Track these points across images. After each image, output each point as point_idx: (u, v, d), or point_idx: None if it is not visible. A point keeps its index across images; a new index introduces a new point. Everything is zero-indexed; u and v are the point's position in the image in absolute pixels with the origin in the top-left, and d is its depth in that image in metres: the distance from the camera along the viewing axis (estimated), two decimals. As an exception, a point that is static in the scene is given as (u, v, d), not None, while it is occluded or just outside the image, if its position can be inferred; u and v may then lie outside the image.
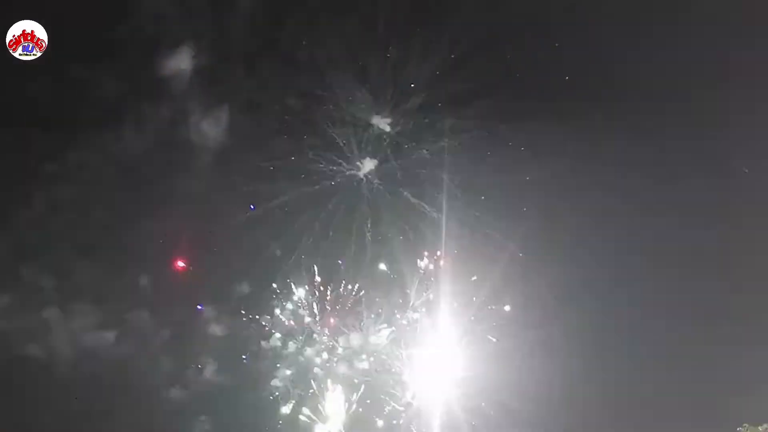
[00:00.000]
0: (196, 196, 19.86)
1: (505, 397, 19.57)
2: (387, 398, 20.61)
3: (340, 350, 21.15)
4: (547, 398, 19.26)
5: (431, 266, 21.07)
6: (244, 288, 20.65)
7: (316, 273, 20.96)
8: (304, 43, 20.22)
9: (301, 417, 20.22)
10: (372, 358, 20.95)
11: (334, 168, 20.93)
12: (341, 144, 20.86)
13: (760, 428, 18.36)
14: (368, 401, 20.62)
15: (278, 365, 20.48)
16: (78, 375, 19.19)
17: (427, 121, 20.78)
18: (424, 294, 21.05)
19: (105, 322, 20.09)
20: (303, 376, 20.55)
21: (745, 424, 18.64)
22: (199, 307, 20.25)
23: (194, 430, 19.61)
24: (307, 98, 20.45)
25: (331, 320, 21.10)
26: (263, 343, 20.73)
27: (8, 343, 19.22)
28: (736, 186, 21.88)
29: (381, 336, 21.38)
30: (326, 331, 20.89)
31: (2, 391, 19.06)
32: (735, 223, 21.41)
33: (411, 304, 21.14)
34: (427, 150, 20.67)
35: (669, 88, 21.77)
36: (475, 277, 20.90)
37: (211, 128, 19.89)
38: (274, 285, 20.85)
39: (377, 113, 21.04)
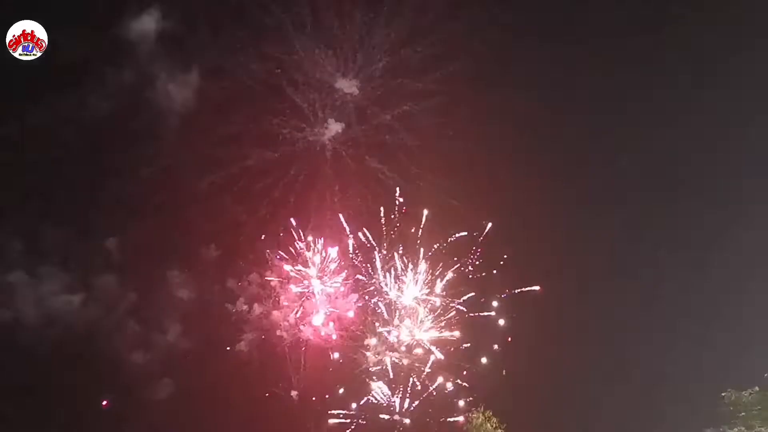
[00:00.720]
0: (161, 160, 20.26)
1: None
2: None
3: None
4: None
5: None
6: (211, 252, 21.21)
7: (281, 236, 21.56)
8: (270, 7, 20.47)
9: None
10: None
11: (298, 134, 21.51)
12: (306, 109, 21.26)
13: (744, 393, 18.50)
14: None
15: (243, 328, 21.05)
16: (44, 338, 19.53)
17: (392, 84, 21.40)
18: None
19: (71, 286, 20.34)
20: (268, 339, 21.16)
21: (730, 389, 18.73)
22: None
23: (158, 393, 19.99)
24: (271, 62, 20.86)
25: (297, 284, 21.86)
26: (228, 306, 21.18)
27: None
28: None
29: (349, 301, 22.03)
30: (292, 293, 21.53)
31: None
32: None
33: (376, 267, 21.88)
34: (390, 116, 21.38)
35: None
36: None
37: (176, 93, 20.37)
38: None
39: (343, 77, 21.53)
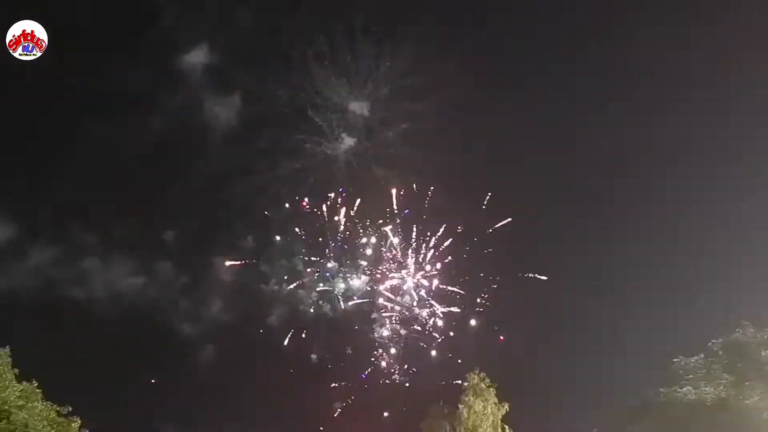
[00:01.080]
0: (208, 168, 25.73)
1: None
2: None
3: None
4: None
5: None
6: (248, 242, 26.35)
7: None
8: (295, 43, 25.73)
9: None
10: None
11: (317, 147, 26.76)
12: (324, 127, 26.62)
13: (691, 359, 20.95)
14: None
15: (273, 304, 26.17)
16: (112, 314, 24.70)
17: (395, 107, 26.61)
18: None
19: (135, 270, 25.88)
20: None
21: (680, 356, 21.30)
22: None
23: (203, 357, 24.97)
24: (296, 89, 26.08)
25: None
26: (263, 286, 26.28)
27: (58, 287, 25.07)
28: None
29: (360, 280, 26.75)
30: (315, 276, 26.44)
31: (51, 328, 24.32)
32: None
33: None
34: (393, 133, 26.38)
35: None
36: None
37: (221, 113, 25.78)
38: (278, 238, 27.05)
39: (355, 100, 27.06)
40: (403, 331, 25.77)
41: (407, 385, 25.47)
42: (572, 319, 26.28)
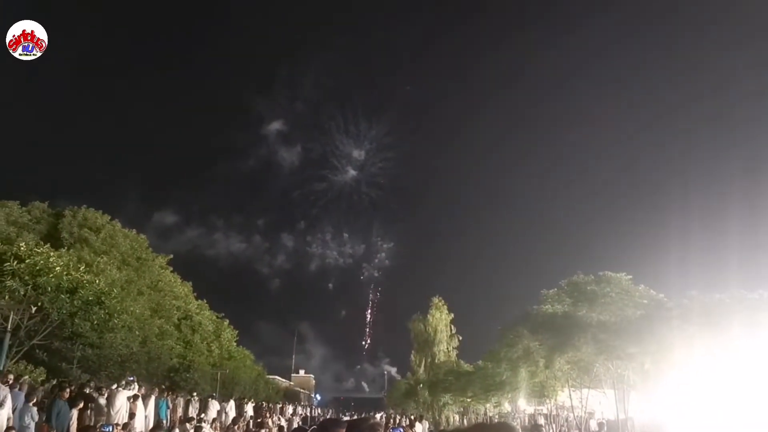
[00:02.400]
0: (281, 187, 43.16)
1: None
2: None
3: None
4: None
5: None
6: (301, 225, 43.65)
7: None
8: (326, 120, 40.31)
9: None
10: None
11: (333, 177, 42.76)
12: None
13: (550, 291, 32.76)
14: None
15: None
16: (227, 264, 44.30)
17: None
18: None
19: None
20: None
21: (544, 288, 33.91)
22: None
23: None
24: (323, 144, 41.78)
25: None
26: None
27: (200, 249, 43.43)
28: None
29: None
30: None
31: (195, 273, 43.25)
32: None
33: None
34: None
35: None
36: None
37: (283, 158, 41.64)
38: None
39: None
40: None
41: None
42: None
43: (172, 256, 31.78)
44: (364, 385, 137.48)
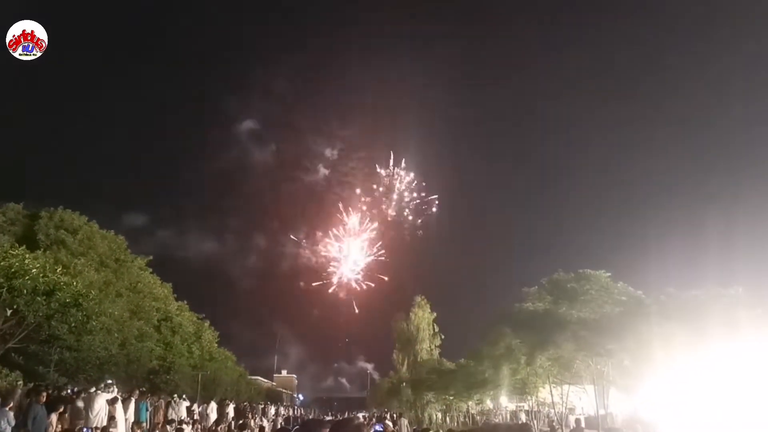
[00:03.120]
0: (253, 188, 42.88)
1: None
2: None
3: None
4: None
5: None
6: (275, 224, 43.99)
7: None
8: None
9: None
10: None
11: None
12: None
13: (531, 288, 33.16)
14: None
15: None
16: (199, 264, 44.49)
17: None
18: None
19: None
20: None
21: (525, 287, 34.16)
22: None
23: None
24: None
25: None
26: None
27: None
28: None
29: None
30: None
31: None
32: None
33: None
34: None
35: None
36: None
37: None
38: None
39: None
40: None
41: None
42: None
43: (151, 257, 31.35)
44: (344, 382, 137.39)
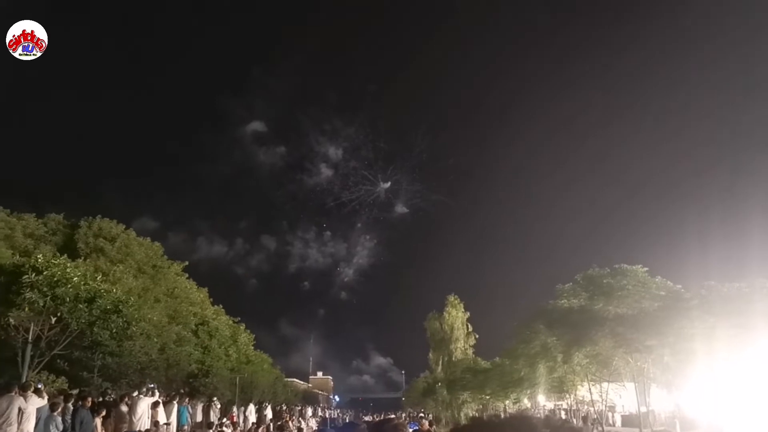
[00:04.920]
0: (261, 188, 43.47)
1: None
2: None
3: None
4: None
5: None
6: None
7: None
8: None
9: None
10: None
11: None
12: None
13: (566, 285, 32.74)
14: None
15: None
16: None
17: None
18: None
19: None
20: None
21: (559, 283, 33.63)
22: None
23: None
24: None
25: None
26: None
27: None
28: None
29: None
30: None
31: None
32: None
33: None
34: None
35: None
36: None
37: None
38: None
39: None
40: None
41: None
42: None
43: (187, 263, 31.97)
44: (367, 379, 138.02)
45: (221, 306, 34.37)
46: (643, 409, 28.05)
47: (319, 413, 46.38)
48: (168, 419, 19.07)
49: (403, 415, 51.08)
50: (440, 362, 43.29)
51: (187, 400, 22.48)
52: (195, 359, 26.92)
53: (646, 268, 27.71)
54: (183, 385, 26.11)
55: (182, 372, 25.41)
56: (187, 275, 31.77)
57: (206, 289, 34.46)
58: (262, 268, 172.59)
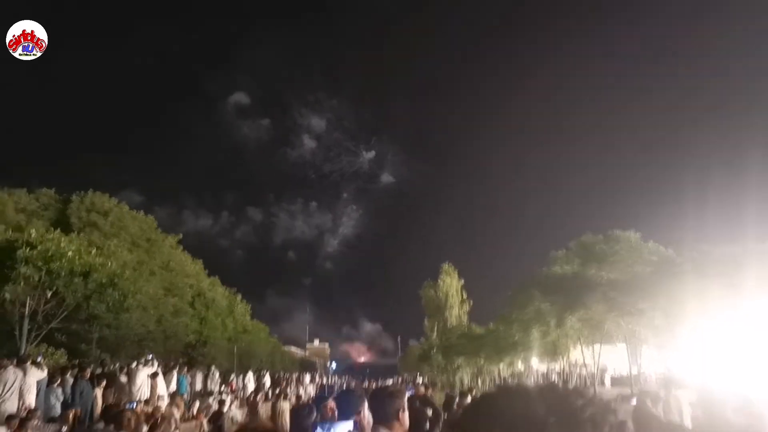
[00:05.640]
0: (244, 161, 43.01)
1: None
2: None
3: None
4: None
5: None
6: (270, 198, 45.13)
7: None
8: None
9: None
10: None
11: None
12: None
13: (559, 251, 33.10)
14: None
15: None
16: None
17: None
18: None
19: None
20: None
21: (552, 250, 33.95)
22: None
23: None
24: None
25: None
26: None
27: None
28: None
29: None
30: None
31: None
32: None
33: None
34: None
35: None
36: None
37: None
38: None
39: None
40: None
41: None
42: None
43: (181, 235, 31.89)
44: (359, 345, 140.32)
45: (217, 277, 34.46)
46: (634, 371, 28.62)
47: (318, 380, 47.05)
48: (168, 389, 19.29)
49: (399, 379, 51.86)
50: (435, 329, 43.84)
51: (185, 369, 22.72)
52: (192, 330, 27.14)
53: (639, 234, 27.94)
54: (181, 355, 26.38)
55: (180, 343, 25.65)
56: (182, 248, 31.74)
57: (201, 261, 34.44)
58: (248, 240, 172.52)
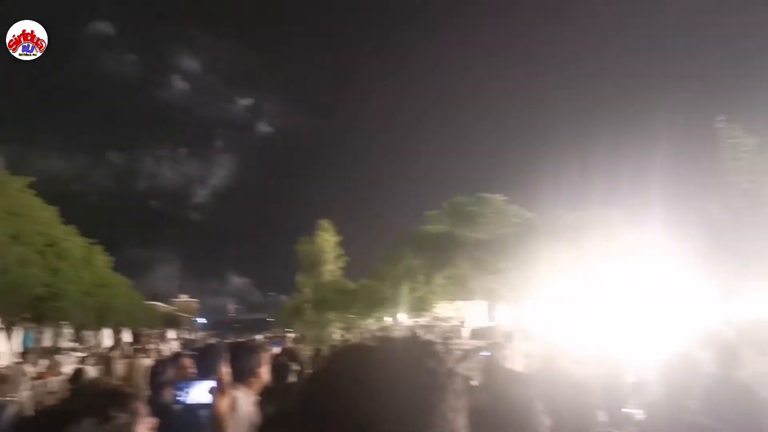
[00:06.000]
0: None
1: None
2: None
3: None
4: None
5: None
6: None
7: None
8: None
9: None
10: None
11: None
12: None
13: (433, 211, 35.12)
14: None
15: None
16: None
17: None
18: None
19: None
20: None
21: (426, 210, 35.84)
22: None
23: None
24: None
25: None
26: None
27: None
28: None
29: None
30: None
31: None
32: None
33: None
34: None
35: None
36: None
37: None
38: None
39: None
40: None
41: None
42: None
43: (34, 178, 28.43)
44: (225, 300, 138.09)
45: (74, 226, 31.49)
46: (492, 324, 31.08)
47: (183, 336, 45.47)
48: (9, 345, 17.55)
49: (267, 335, 51.57)
50: (309, 284, 44.05)
51: (35, 324, 20.78)
52: (42, 282, 24.70)
53: (504, 198, 29.95)
54: (28, 309, 24.01)
55: (27, 296, 23.26)
56: (35, 192, 28.36)
57: (55, 208, 31.16)
58: (107, 186, 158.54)
